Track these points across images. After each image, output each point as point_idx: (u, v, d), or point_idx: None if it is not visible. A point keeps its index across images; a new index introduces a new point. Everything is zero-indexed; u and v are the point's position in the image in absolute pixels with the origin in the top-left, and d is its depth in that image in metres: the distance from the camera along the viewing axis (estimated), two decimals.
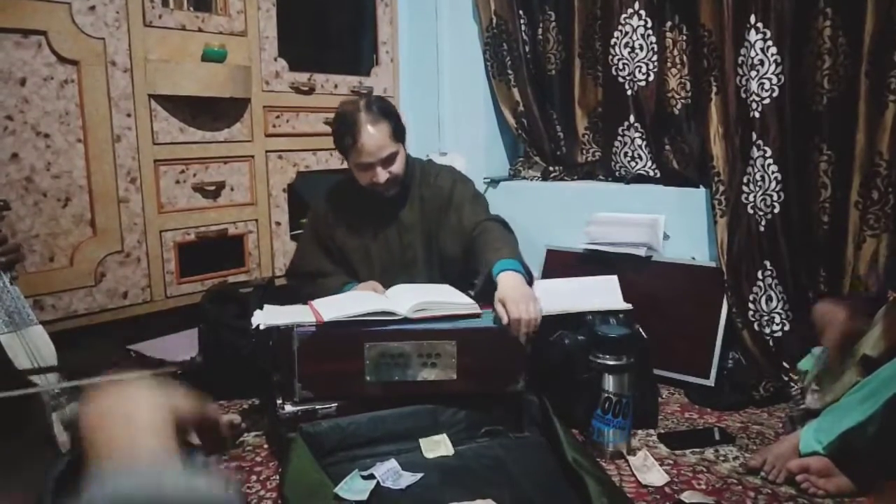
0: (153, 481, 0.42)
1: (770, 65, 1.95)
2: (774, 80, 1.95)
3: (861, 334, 1.54)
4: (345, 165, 2.61)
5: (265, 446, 1.72)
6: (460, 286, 1.92)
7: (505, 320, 1.62)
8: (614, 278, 2.10)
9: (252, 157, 2.39)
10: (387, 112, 1.90)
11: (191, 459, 0.50)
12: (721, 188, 2.11)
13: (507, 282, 1.68)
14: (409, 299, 1.70)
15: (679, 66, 2.30)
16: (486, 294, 1.76)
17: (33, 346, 1.16)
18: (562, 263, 2.44)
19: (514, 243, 1.92)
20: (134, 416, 0.52)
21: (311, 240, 2.07)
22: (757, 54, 1.95)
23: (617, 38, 2.39)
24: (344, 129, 1.87)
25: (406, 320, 1.65)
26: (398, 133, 1.91)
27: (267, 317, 1.64)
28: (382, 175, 1.87)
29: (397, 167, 1.90)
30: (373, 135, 1.83)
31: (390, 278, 1.94)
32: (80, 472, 0.45)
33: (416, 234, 1.99)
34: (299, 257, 2.11)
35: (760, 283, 2.04)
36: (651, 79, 2.36)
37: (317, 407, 1.60)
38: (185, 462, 0.49)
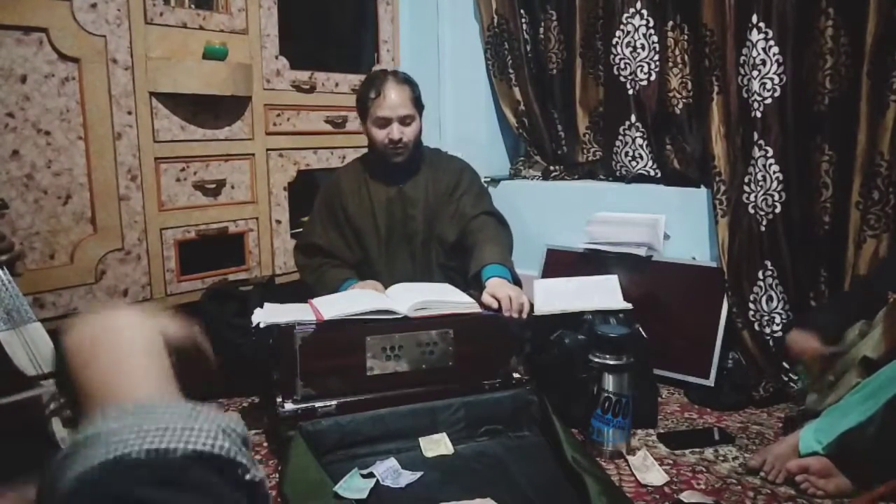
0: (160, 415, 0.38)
1: (772, 64, 1.95)
2: (776, 80, 1.95)
3: (835, 360, 1.56)
4: (345, 164, 2.63)
5: (265, 444, 1.72)
6: (455, 270, 2.00)
7: (494, 305, 1.72)
8: (614, 278, 2.10)
9: (253, 155, 2.39)
10: (411, 81, 2.03)
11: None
12: (722, 188, 2.11)
13: (495, 281, 1.80)
14: (409, 298, 1.71)
15: (680, 66, 2.30)
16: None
17: (32, 344, 1.16)
18: (562, 263, 2.44)
19: (508, 244, 2.00)
20: (126, 348, 0.47)
21: (322, 211, 2.13)
22: (759, 54, 1.95)
23: (618, 37, 2.39)
24: (369, 86, 2.00)
25: (406, 319, 1.66)
26: (418, 102, 2.02)
27: (267, 315, 1.64)
28: (397, 132, 1.96)
29: (411, 132, 1.99)
30: (396, 91, 1.96)
31: (393, 248, 2.05)
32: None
33: (418, 210, 2.05)
34: (309, 230, 2.15)
35: (761, 283, 2.04)
36: (652, 78, 2.36)
37: (316, 405, 1.60)
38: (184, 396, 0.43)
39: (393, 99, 1.95)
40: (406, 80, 2.01)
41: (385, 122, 1.96)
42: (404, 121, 1.97)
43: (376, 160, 2.06)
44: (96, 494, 0.35)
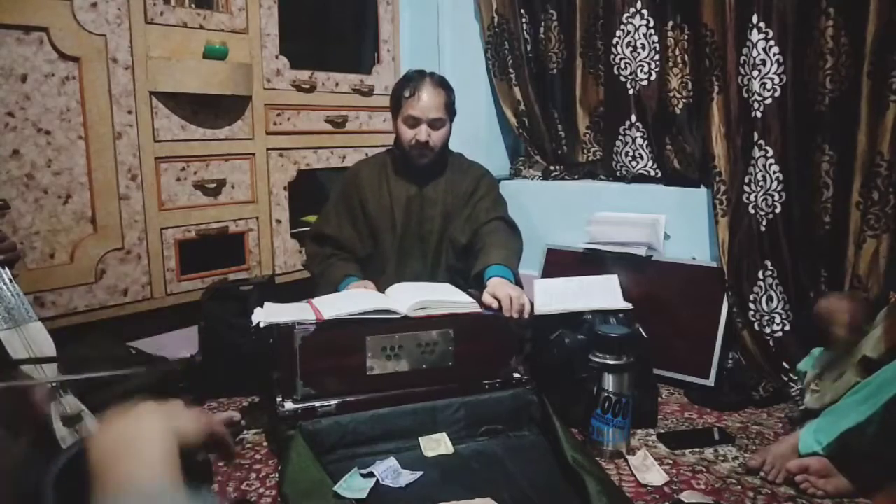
0: None
1: (772, 64, 1.95)
2: (776, 80, 1.95)
3: (866, 323, 1.55)
4: (345, 164, 2.63)
5: (265, 444, 1.72)
6: (461, 273, 1.99)
7: (495, 304, 1.71)
8: (614, 278, 2.10)
9: (253, 154, 2.39)
10: (447, 86, 2.04)
11: (195, 492, 0.53)
12: (722, 188, 2.11)
13: (496, 281, 1.79)
14: (409, 298, 1.71)
15: (681, 66, 2.30)
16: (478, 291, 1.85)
17: (33, 343, 1.16)
18: (562, 263, 2.44)
19: (516, 250, 2.00)
20: (141, 448, 0.55)
21: (338, 201, 2.13)
22: (759, 54, 1.95)
23: (619, 37, 2.39)
24: (406, 84, 2.02)
25: (406, 318, 1.66)
26: (450, 108, 2.03)
27: (267, 314, 1.64)
28: (425, 134, 1.97)
29: (439, 136, 2.00)
30: (431, 94, 1.98)
31: (407, 247, 2.06)
32: (79, 469, 0.46)
33: (436, 211, 2.06)
34: (322, 219, 2.15)
35: (761, 283, 2.04)
36: (653, 78, 2.36)
37: (316, 405, 1.60)
38: (189, 495, 0.51)
39: (425, 100, 1.96)
40: (442, 85, 2.02)
41: (415, 123, 1.98)
42: (434, 124, 1.98)
43: (401, 158, 2.07)
44: None
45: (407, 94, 1.98)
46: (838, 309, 1.60)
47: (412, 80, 2.01)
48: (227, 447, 0.68)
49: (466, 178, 2.10)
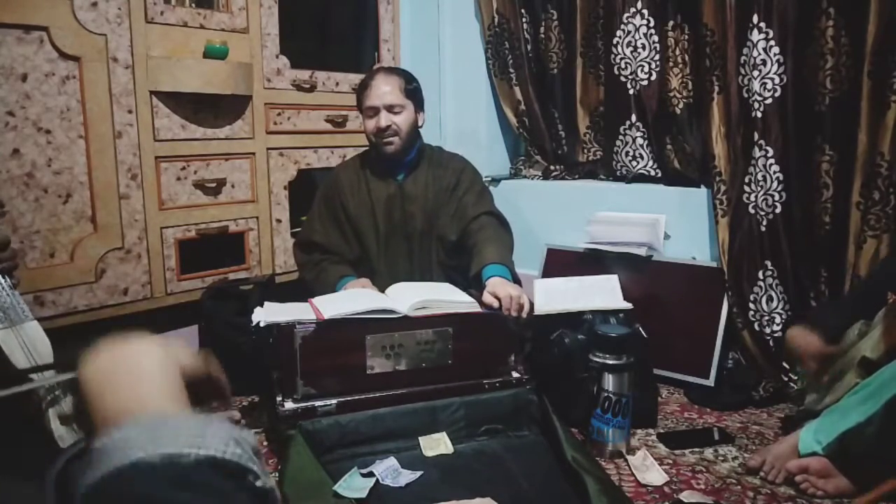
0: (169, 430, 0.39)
1: (772, 65, 1.95)
2: (777, 80, 1.95)
3: (834, 359, 1.55)
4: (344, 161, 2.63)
5: (265, 443, 1.72)
6: (455, 269, 2.00)
7: (495, 304, 1.69)
8: (615, 277, 2.10)
9: (253, 154, 2.39)
10: (403, 73, 2.05)
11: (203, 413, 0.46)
12: (722, 188, 2.11)
13: (495, 280, 1.78)
14: (409, 298, 1.71)
15: (681, 66, 2.30)
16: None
17: (29, 342, 1.16)
18: (562, 262, 2.44)
19: (509, 245, 1.99)
20: (142, 373, 0.48)
21: (321, 207, 2.13)
22: (759, 54, 1.95)
23: (619, 37, 2.39)
24: (363, 81, 2.04)
25: (406, 318, 1.66)
26: (411, 93, 2.01)
27: (267, 314, 1.64)
28: (384, 120, 1.96)
29: (401, 120, 1.99)
30: (384, 81, 1.99)
31: (392, 245, 2.05)
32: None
33: (418, 207, 2.04)
34: (308, 227, 2.15)
35: (761, 283, 2.04)
36: (653, 78, 2.35)
37: (316, 404, 1.60)
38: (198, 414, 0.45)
39: (380, 88, 1.97)
40: (397, 72, 2.04)
41: (374, 112, 1.98)
42: (392, 109, 1.97)
43: (376, 156, 2.06)
44: (113, 498, 0.36)
45: (362, 88, 2.02)
46: (802, 347, 1.59)
47: (368, 75, 2.05)
48: (222, 391, 0.61)
49: (447, 171, 2.08)
